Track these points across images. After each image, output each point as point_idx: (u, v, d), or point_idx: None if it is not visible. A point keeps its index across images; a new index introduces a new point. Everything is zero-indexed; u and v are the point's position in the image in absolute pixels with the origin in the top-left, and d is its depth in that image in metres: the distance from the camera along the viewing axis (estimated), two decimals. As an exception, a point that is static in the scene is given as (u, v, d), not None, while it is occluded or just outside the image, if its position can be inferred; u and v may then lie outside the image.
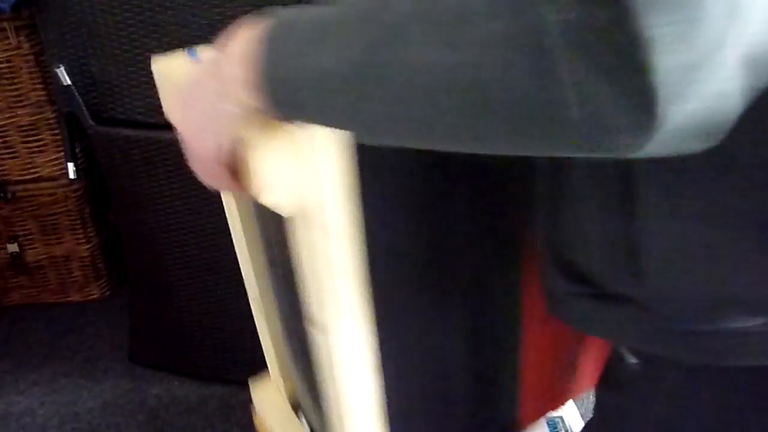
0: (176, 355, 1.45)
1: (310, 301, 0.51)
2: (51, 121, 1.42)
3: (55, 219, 1.56)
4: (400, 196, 0.57)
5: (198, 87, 0.44)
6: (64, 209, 1.54)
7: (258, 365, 1.37)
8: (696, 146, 0.26)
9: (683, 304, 0.45)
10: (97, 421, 1.38)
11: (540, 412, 0.81)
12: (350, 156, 0.44)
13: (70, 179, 1.43)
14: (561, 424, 0.83)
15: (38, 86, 1.37)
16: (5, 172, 1.48)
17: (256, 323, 0.84)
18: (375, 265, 0.51)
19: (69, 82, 1.14)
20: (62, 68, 1.13)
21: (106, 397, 1.44)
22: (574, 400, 0.87)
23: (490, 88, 0.26)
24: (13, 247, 1.57)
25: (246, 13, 1.08)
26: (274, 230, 0.61)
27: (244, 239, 0.70)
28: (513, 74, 0.25)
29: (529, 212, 0.58)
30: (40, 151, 1.46)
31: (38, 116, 1.41)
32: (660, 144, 0.25)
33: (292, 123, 0.41)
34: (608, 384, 0.59)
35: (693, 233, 0.42)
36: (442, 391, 0.70)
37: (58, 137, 1.44)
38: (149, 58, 1.08)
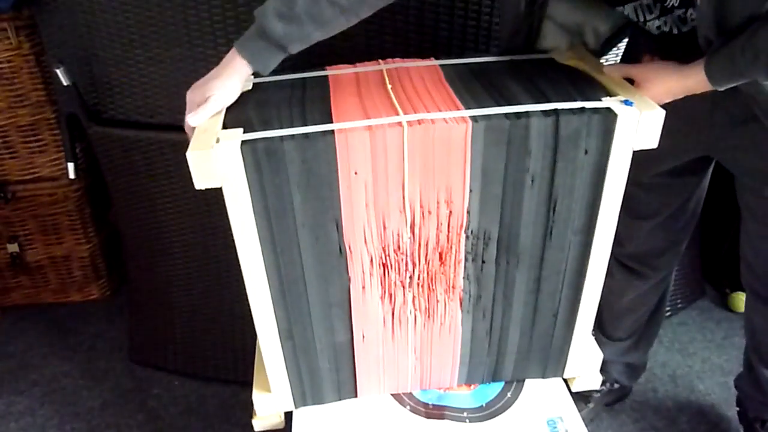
0: (176, 355, 1.45)
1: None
2: (51, 121, 1.42)
3: (55, 219, 1.56)
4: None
5: None
6: (64, 209, 1.54)
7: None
8: None
9: None
10: (97, 421, 1.38)
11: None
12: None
13: (70, 179, 1.43)
14: (561, 424, 0.83)
15: (38, 86, 1.37)
16: (5, 172, 1.48)
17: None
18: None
19: (69, 82, 1.15)
20: (62, 68, 1.13)
21: (106, 397, 1.44)
22: (574, 400, 0.86)
23: None
24: (13, 247, 1.57)
25: (246, 13, 1.08)
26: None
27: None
28: None
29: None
30: (40, 151, 1.46)
31: (38, 116, 1.41)
32: None
33: None
34: None
35: None
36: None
37: (58, 137, 1.44)
38: (149, 59, 1.08)
